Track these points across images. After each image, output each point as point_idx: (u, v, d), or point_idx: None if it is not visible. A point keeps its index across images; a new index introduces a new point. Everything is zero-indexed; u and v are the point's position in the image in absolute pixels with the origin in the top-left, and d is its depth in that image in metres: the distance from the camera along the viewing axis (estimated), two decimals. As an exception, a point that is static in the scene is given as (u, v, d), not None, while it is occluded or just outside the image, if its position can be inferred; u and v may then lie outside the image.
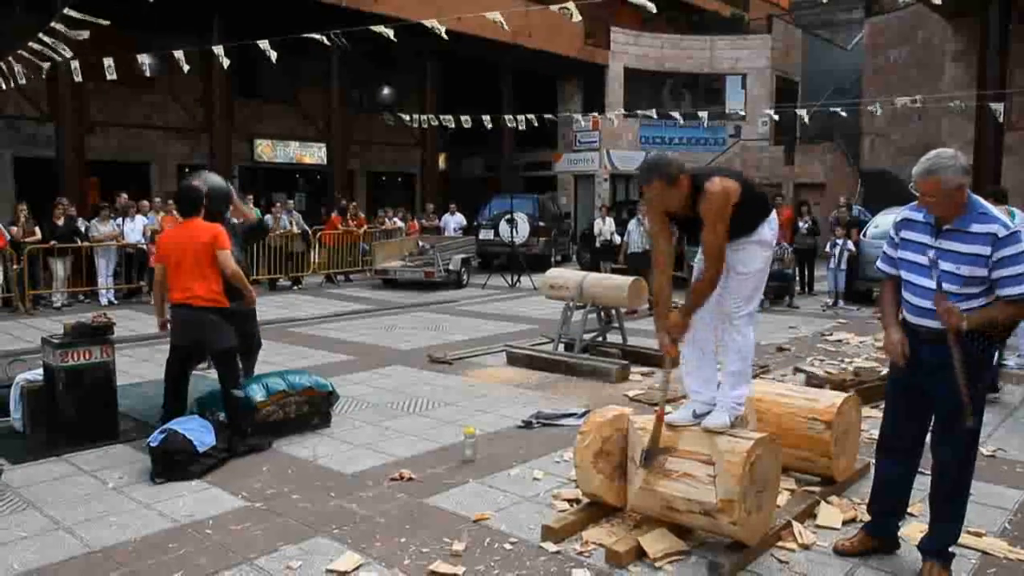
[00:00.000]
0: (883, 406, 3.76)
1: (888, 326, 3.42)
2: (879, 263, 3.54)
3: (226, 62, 9.59)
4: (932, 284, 3.19)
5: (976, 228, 3.11)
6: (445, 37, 8.92)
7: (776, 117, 18.28)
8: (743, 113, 20.41)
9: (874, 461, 3.69)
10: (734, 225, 3.55)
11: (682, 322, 3.62)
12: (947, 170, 3.10)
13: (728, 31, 26.59)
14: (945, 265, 3.16)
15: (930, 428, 3.43)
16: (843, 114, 16.07)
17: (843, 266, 12.38)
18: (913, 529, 3.74)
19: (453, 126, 16.49)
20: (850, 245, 12.36)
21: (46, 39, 8.03)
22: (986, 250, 3.08)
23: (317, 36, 9.06)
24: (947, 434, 3.31)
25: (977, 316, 3.13)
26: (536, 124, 16.08)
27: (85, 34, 7.70)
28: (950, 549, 3.37)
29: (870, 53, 23.92)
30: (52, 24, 7.60)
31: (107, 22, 7.63)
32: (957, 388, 3.10)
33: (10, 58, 7.99)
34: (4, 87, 8.48)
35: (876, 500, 3.63)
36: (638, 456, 3.70)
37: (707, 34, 25.81)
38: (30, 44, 8.07)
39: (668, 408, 3.77)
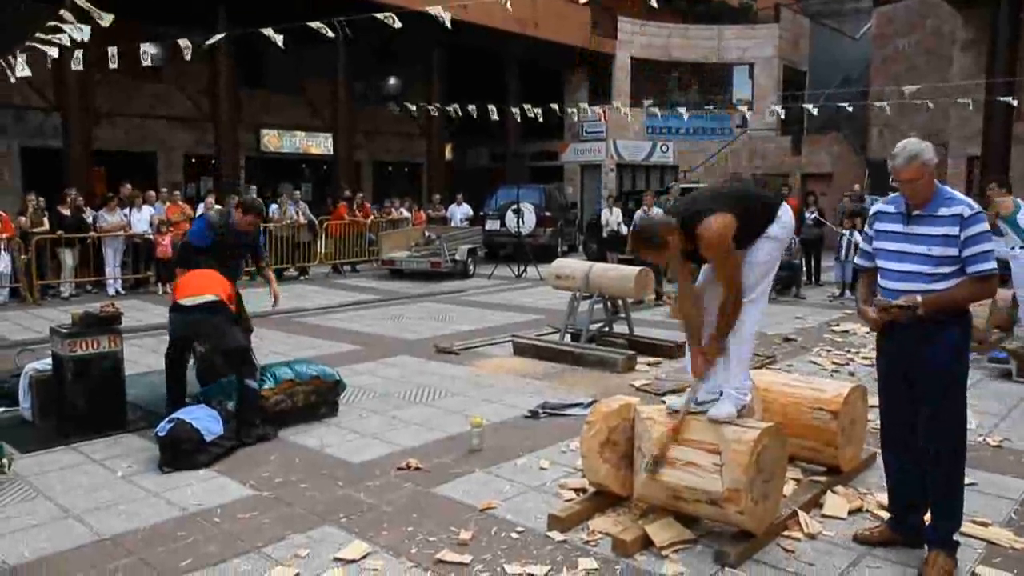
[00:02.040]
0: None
1: (862, 302, 3.55)
2: (856, 259, 3.69)
3: (230, 48, 9.57)
4: (903, 268, 3.32)
5: (943, 211, 3.28)
6: (449, 26, 8.86)
7: (782, 113, 18.19)
8: (745, 110, 20.30)
9: (881, 457, 3.71)
10: (741, 240, 3.58)
11: (717, 347, 3.66)
12: (925, 152, 3.29)
13: (735, 20, 26.45)
14: (918, 248, 3.30)
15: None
16: (849, 110, 16.00)
17: (851, 257, 12.35)
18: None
19: (460, 115, 16.44)
20: (856, 236, 12.32)
21: (54, 24, 8.02)
22: (954, 230, 3.24)
23: (318, 25, 9.02)
24: (934, 423, 3.32)
25: (934, 298, 3.23)
26: (541, 120, 16.02)
27: (93, 24, 7.69)
28: (954, 537, 3.37)
29: (878, 42, 23.76)
30: (61, 12, 7.59)
31: (111, 16, 7.62)
32: (938, 366, 3.25)
33: (16, 50, 7.99)
34: (12, 80, 8.50)
35: (891, 496, 3.65)
36: (644, 449, 3.71)
37: (714, 23, 25.68)
38: (37, 35, 8.07)
39: (672, 399, 3.77)
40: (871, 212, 3.59)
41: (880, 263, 3.46)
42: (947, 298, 3.24)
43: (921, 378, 3.34)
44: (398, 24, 8.85)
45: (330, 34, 9.04)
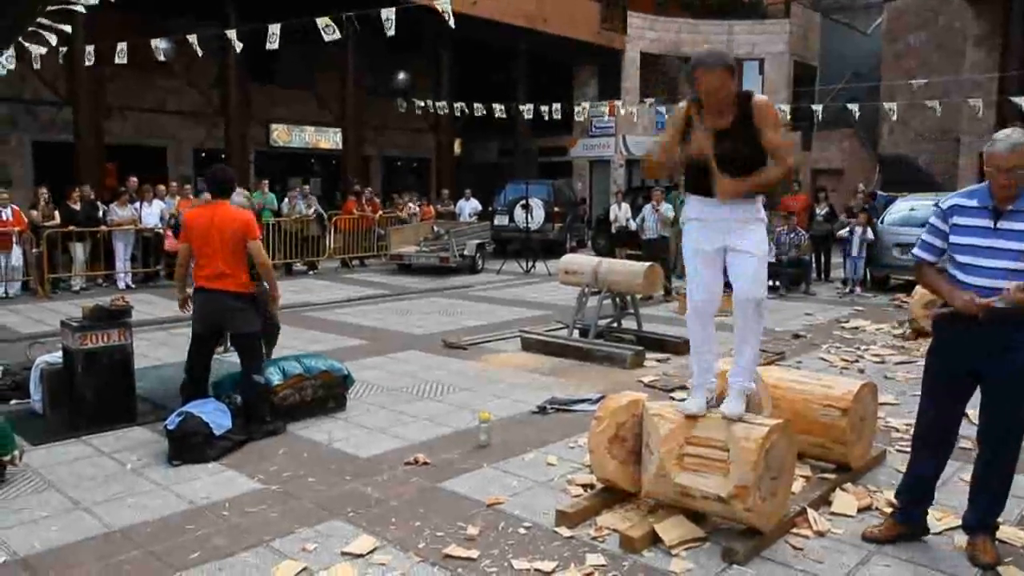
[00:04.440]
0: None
1: (951, 288, 3.37)
2: (916, 250, 3.53)
3: (238, 46, 9.63)
4: (994, 264, 3.25)
5: None
6: (452, 25, 8.97)
7: (788, 111, 18.12)
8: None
9: (910, 455, 3.69)
10: (756, 163, 3.55)
11: (738, 186, 3.53)
12: None
13: (746, 15, 26.30)
14: (1011, 244, 3.24)
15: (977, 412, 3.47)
16: (856, 114, 15.92)
17: (862, 253, 12.28)
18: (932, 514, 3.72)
19: (463, 114, 16.44)
20: (870, 234, 12.26)
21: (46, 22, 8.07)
22: None
23: (324, 23, 9.07)
24: (1003, 419, 3.33)
25: None
26: (547, 118, 16.04)
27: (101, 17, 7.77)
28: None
29: (889, 37, 23.62)
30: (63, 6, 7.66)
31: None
32: (1019, 364, 3.21)
33: (28, 33, 8.04)
34: (12, 68, 8.58)
35: (909, 492, 3.64)
36: (652, 446, 3.69)
37: (724, 18, 25.55)
38: (40, 22, 8.11)
39: (681, 395, 3.76)
40: (946, 205, 3.45)
41: (961, 258, 3.37)
42: None
43: (996, 376, 3.30)
44: (391, 32, 8.95)
45: (335, 35, 9.10)
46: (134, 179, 13.73)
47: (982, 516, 3.44)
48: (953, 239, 3.40)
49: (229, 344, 6.56)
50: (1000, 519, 3.73)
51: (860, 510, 3.94)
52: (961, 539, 3.55)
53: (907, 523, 3.61)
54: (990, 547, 3.39)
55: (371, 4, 9.79)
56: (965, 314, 3.25)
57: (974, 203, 3.36)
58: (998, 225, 3.27)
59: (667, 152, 3.73)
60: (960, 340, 3.35)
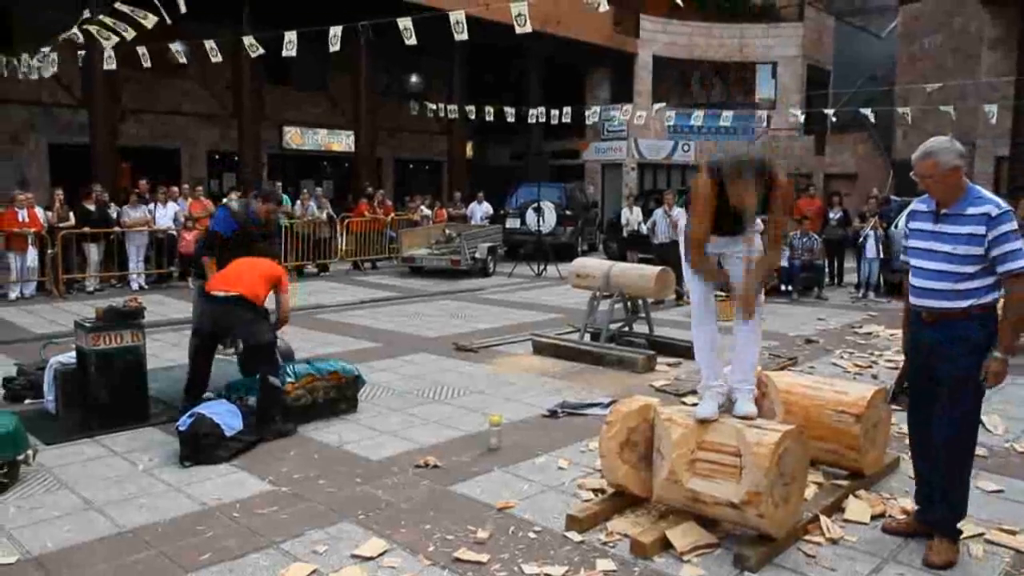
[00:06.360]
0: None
1: (903, 326, 3.71)
2: (901, 256, 3.75)
3: (257, 50, 9.69)
4: (933, 266, 3.39)
5: (971, 211, 3.33)
6: (465, 36, 9.08)
7: (802, 117, 18.00)
8: (763, 112, 20.06)
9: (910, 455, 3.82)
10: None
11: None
12: (942, 152, 3.33)
13: (759, 19, 26.23)
14: (944, 247, 3.36)
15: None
16: (872, 119, 15.83)
17: (880, 254, 12.16)
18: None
19: (475, 117, 16.44)
20: (880, 233, 12.17)
21: (90, 28, 8.18)
22: (981, 229, 3.26)
23: (335, 32, 9.13)
24: (945, 414, 3.42)
25: (1004, 333, 3.30)
26: (559, 121, 16.04)
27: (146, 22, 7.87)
28: (958, 526, 3.46)
29: (904, 41, 23.45)
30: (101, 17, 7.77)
31: (154, 19, 7.79)
32: (958, 363, 3.34)
33: (48, 47, 8.16)
34: (34, 77, 8.69)
35: (920, 492, 3.70)
36: (663, 451, 3.68)
37: (738, 22, 25.48)
38: (65, 35, 8.23)
39: (692, 400, 3.77)
40: (908, 210, 3.65)
41: (911, 260, 3.54)
42: (1006, 322, 3.30)
43: (941, 373, 3.42)
44: (413, 40, 9.04)
45: (340, 45, 9.17)
46: (144, 182, 13.83)
47: (940, 518, 3.48)
48: (908, 242, 3.58)
49: (240, 347, 6.60)
50: (1015, 527, 3.71)
51: (874, 517, 3.90)
52: (977, 548, 3.52)
53: (925, 522, 3.63)
54: (941, 548, 3.39)
55: (384, 8, 9.83)
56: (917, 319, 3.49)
57: (924, 207, 3.52)
58: (935, 228, 3.41)
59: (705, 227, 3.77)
60: (915, 344, 3.56)
